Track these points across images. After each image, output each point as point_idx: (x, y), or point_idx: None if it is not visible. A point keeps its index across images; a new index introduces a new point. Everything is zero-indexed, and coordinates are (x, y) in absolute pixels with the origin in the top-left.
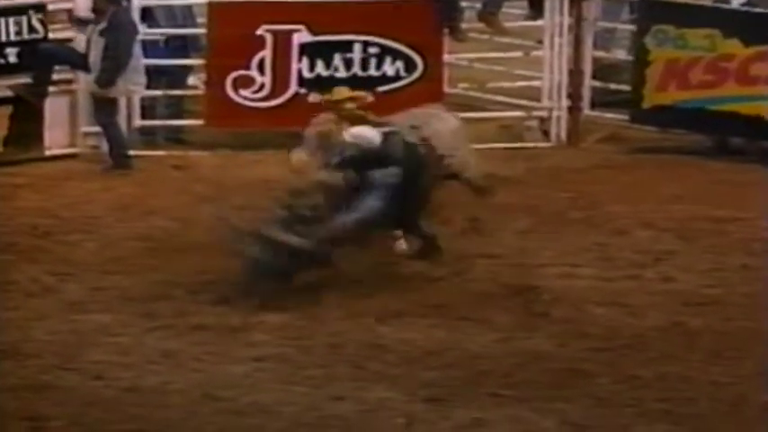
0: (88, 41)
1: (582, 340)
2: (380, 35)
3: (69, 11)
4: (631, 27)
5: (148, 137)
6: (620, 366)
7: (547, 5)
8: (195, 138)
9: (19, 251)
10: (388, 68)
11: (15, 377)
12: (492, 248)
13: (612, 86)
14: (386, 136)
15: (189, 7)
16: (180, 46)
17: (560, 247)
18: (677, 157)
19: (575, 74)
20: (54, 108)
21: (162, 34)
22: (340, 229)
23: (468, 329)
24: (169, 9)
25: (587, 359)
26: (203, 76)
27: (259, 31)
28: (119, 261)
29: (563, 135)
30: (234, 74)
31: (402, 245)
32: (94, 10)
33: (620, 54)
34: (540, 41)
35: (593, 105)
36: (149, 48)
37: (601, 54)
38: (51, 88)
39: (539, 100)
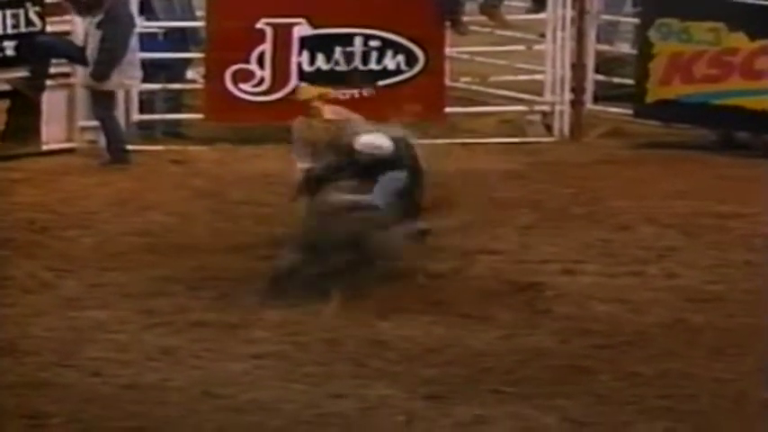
0: (86, 34)
1: (584, 337)
2: (381, 28)
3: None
4: (635, 20)
5: (147, 131)
6: (621, 363)
7: None
8: (194, 132)
9: (16, 246)
10: (389, 62)
11: (13, 374)
12: (493, 244)
13: (616, 80)
14: (395, 141)
15: (188, 0)
16: (179, 39)
17: (563, 243)
18: (681, 151)
19: (577, 67)
20: (51, 102)
21: (160, 27)
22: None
23: (469, 326)
24: (168, 2)
25: (589, 356)
26: (202, 69)
27: (259, 25)
28: (117, 257)
29: (566, 129)
30: (233, 67)
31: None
32: (92, 2)
33: (624, 47)
34: (543, 35)
35: (596, 99)
36: (148, 41)
37: (604, 47)
38: (49, 82)
39: (541, 94)
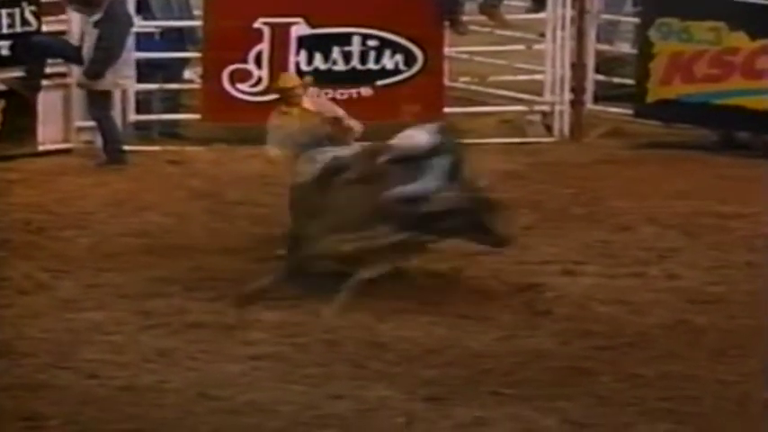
0: (82, 33)
1: (584, 338)
2: (380, 28)
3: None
4: (635, 20)
5: (144, 131)
6: (622, 365)
7: None
8: (191, 132)
9: (12, 247)
10: (388, 62)
11: (10, 376)
12: None
13: (616, 80)
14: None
15: None
16: (176, 38)
17: (563, 244)
18: (682, 151)
19: (577, 67)
20: (47, 102)
21: (157, 26)
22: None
23: (468, 327)
24: (165, 1)
25: (589, 357)
26: (199, 69)
27: (256, 24)
28: (113, 257)
29: (566, 130)
30: (231, 67)
31: None
32: (90, 1)
33: (624, 47)
34: (543, 34)
35: (597, 99)
36: (145, 40)
37: (604, 47)
38: (45, 82)
39: (541, 94)
